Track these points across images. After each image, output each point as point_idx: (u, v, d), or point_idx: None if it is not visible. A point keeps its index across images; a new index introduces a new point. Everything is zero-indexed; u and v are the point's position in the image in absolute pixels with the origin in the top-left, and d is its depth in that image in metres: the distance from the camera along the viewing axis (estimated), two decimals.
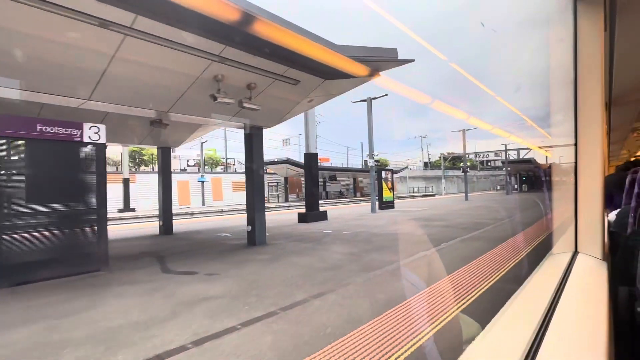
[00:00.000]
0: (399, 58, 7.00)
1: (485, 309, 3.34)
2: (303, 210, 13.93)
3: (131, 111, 5.83)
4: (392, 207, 18.74)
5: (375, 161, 16.44)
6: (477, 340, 0.82)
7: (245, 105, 5.64)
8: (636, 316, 1.06)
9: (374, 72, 7.06)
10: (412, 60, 7.21)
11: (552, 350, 0.75)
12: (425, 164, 73.00)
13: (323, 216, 12.88)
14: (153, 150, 33.49)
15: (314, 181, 12.92)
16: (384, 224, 10.91)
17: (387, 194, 18.57)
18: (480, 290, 3.87)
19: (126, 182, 24.53)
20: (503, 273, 4.54)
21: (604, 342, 0.77)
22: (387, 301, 3.62)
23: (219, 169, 43.82)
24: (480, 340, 0.83)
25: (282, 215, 16.73)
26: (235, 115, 6.69)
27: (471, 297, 3.63)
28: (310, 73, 5.95)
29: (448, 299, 3.57)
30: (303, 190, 39.57)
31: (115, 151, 31.01)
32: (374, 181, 16.57)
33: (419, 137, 69.03)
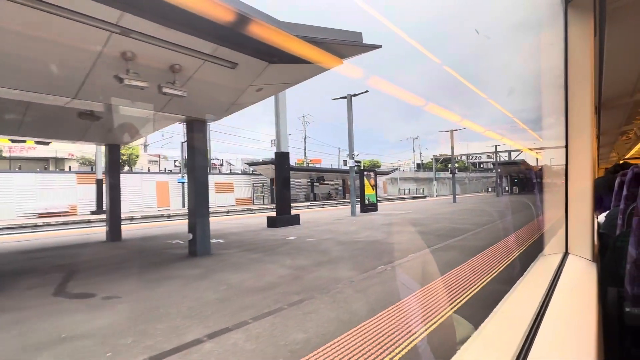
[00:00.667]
0: (364, 43, 6.14)
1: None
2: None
3: (23, 96, 4.84)
4: (375, 209, 17.87)
5: (356, 161, 15.54)
6: (469, 341, 0.81)
7: (166, 90, 4.69)
8: (624, 317, 1.01)
9: (335, 59, 6.18)
10: (379, 46, 6.36)
11: (542, 351, 0.75)
12: (418, 166, 72.41)
13: (294, 220, 11.93)
14: (132, 149, 32.29)
15: (284, 183, 11.97)
16: (357, 229, 10.00)
17: (369, 195, 17.68)
18: (429, 328, 2.96)
19: (99, 183, 23.31)
20: (464, 300, 3.64)
21: (593, 342, 0.77)
22: (303, 343, 2.69)
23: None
24: (472, 341, 0.82)
25: (256, 218, 15.74)
26: (167, 104, 5.73)
27: (411, 343, 2.71)
28: (249, 54, 5.01)
29: (383, 343, 2.65)
30: (290, 191, 38.63)
31: (90, 150, 29.74)
32: (353, 183, 15.67)
33: (410, 139, 68.33)
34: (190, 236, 6.47)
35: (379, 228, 10.13)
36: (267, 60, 5.31)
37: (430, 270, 4.88)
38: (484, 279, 4.38)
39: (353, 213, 15.35)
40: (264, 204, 33.73)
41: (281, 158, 11.90)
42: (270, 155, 55.34)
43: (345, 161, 15.45)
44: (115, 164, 9.29)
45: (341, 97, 15.85)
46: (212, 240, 8.49)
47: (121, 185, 9.37)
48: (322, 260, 5.86)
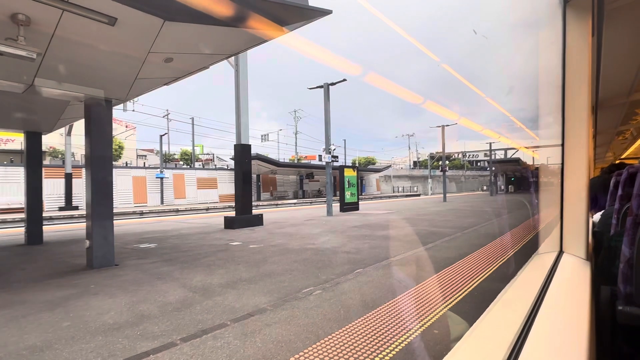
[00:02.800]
0: (310, 5, 4.94)
1: None
2: (272, 209, 11.76)
3: None
4: (356, 209, 16.63)
5: (333, 156, 14.27)
6: (464, 338, 0.81)
7: (1, 49, 3.40)
8: (617, 315, 1.02)
9: (274, 26, 4.94)
10: (329, 12, 5.15)
11: (535, 348, 0.75)
12: (415, 163, 71.12)
13: (256, 221, 10.67)
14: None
15: (245, 179, 10.67)
16: (319, 232, 8.75)
17: (350, 195, 16.44)
18: None
19: (68, 177, 22.00)
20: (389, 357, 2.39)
21: (585, 339, 0.77)
22: None
23: (197, 165, 41.39)
24: (466, 339, 0.82)
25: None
26: (37, 75, 4.43)
27: None
28: (128, 5, 3.72)
29: None
30: (277, 188, 37.29)
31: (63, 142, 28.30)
32: (330, 179, 14.41)
33: (406, 136, 66.88)
34: (88, 244, 5.20)
35: (345, 232, 8.88)
36: (160, 16, 4.02)
37: (374, 296, 3.63)
38: (430, 316, 3.14)
39: (329, 213, 14.10)
40: None
41: (241, 151, 10.61)
42: (262, 150, 54.03)
43: (320, 156, 14.19)
44: (36, 154, 7.99)
45: (318, 87, 14.53)
46: (144, 245, 7.25)
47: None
48: (243, 277, 4.61)
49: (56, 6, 3.49)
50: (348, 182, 16.10)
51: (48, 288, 4.22)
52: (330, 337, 2.74)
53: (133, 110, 28.88)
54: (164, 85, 5.75)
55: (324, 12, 5.03)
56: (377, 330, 2.84)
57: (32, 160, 7.93)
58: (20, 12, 3.49)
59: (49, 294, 3.97)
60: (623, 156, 11.46)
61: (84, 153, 29.51)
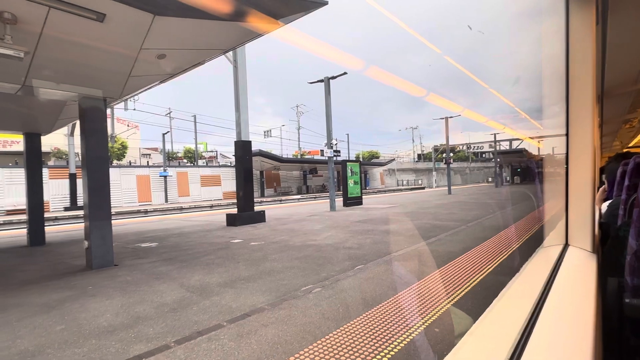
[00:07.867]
0: None
1: None
2: (275, 205, 11.69)
3: None
4: (359, 203, 16.50)
5: (335, 151, 14.14)
6: (467, 334, 0.80)
7: None
8: (624, 307, 1.00)
9: (267, 19, 4.83)
10: (325, 3, 5.02)
11: (540, 342, 0.74)
12: (419, 156, 70.64)
13: (258, 218, 10.61)
14: (117, 140, 30.99)
15: (246, 175, 10.60)
16: (322, 228, 8.67)
17: (353, 183, 16.29)
18: None
19: (72, 178, 22.10)
20: None
21: (591, 333, 0.76)
22: None
23: (200, 162, 41.47)
24: (470, 334, 0.81)
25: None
26: (28, 75, 4.36)
27: None
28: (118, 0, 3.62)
29: None
30: (281, 184, 37.26)
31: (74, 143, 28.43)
32: (332, 174, 14.28)
33: (410, 129, 66.40)
34: (86, 244, 5.16)
35: (347, 227, 8.79)
36: (150, 11, 3.91)
37: (366, 296, 3.55)
38: (432, 313, 3.04)
39: (332, 208, 14.00)
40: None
41: (242, 148, 10.53)
42: (265, 146, 53.91)
43: (322, 151, 14.05)
44: (36, 155, 7.96)
45: (318, 81, 14.36)
46: (145, 245, 7.23)
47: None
48: (242, 275, 4.55)
49: (42, 3, 3.40)
50: (351, 170, 15.94)
51: (45, 290, 4.19)
52: (327, 337, 2.66)
53: (134, 109, 28.91)
54: (160, 82, 5.67)
55: (319, 4, 4.90)
56: (377, 329, 2.76)
57: (32, 161, 7.91)
58: (6, 11, 3.41)
59: (46, 297, 3.94)
60: (630, 144, 11.28)
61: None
